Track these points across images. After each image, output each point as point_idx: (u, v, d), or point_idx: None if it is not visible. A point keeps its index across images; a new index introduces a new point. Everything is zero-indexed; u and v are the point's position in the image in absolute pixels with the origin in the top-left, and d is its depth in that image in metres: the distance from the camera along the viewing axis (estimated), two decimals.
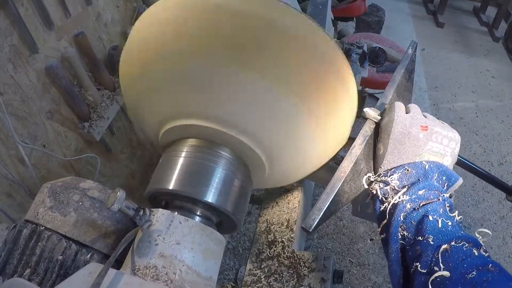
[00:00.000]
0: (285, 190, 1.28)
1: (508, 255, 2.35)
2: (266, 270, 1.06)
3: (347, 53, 1.37)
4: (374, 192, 0.74)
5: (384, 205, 0.71)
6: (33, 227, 0.71)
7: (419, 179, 0.69)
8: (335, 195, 0.69)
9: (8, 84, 1.01)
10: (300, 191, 1.28)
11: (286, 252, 1.09)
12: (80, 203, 0.74)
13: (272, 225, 1.17)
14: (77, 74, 1.26)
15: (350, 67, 0.78)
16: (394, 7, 5.14)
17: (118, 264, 0.68)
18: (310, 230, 0.66)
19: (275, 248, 1.10)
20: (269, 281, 1.03)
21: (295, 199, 1.26)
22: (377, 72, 1.96)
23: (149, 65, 0.73)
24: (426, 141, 0.72)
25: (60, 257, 0.68)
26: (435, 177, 0.70)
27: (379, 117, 0.78)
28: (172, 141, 0.81)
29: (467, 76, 3.97)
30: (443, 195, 0.68)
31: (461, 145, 0.75)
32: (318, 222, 0.67)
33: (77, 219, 0.72)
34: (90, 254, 0.71)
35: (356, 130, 0.82)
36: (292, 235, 1.14)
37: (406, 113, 0.74)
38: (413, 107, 0.76)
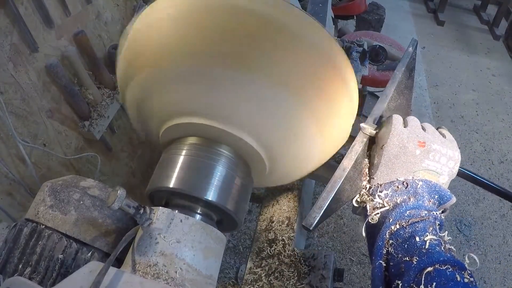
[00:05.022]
0: (286, 189, 1.28)
1: (509, 253, 2.35)
2: (266, 268, 1.06)
3: (348, 52, 1.37)
4: (363, 206, 0.73)
5: (372, 219, 0.70)
6: (33, 226, 0.71)
7: (409, 198, 0.67)
8: (335, 193, 0.69)
9: (8, 83, 1.01)
10: (300, 189, 1.28)
11: (287, 251, 1.09)
12: (81, 202, 0.74)
13: (272, 223, 1.17)
14: (77, 73, 1.26)
15: (350, 65, 0.78)
16: (395, 5, 5.13)
17: (118, 263, 0.69)
18: (311, 228, 0.66)
19: (276, 247, 1.10)
20: (269, 279, 1.03)
21: (296, 197, 1.26)
22: (378, 71, 1.96)
23: (148, 64, 0.73)
24: (423, 158, 0.69)
25: (60, 256, 0.68)
26: (426, 197, 0.67)
27: (375, 132, 0.76)
28: (172, 139, 0.81)
29: (467, 74, 3.97)
30: (434, 213, 0.65)
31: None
32: (318, 221, 0.66)
33: (77, 217, 0.72)
34: (90, 253, 0.71)
35: (356, 128, 0.81)
36: (292, 234, 1.14)
37: (404, 126, 0.71)
38: (412, 120, 0.73)
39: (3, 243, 0.71)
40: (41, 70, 1.12)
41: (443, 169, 0.70)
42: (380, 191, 0.71)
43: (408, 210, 0.66)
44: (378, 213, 0.69)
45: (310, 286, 1.02)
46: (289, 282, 1.02)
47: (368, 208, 0.72)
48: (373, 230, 0.70)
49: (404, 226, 0.64)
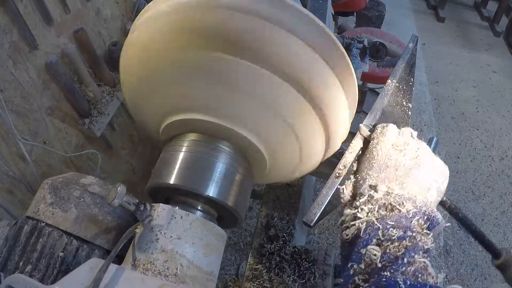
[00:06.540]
0: (286, 185, 1.28)
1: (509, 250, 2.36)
2: (267, 265, 1.06)
3: (348, 48, 1.37)
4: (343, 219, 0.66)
5: (348, 231, 0.62)
6: (34, 224, 0.71)
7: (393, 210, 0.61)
8: (336, 189, 0.68)
9: (8, 81, 1.01)
10: (301, 185, 1.28)
11: (287, 247, 1.09)
12: (81, 199, 0.74)
13: (273, 219, 1.17)
14: (77, 70, 1.26)
15: (349, 62, 0.77)
16: (395, 1, 5.11)
17: (119, 260, 0.69)
18: (312, 225, 0.66)
19: (276, 243, 1.10)
20: (270, 275, 1.03)
21: (296, 193, 1.26)
22: (378, 67, 1.95)
23: (150, 61, 0.73)
24: (412, 169, 0.65)
25: (61, 253, 0.69)
26: (415, 219, 0.60)
27: (369, 133, 0.73)
28: (172, 136, 0.81)
29: (468, 71, 3.96)
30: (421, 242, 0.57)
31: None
32: (319, 217, 0.66)
33: (78, 215, 0.72)
34: (91, 250, 0.71)
35: (356, 125, 0.81)
36: (293, 230, 1.14)
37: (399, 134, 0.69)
38: (407, 131, 0.70)
39: (3, 241, 0.71)
40: (41, 68, 1.12)
41: (431, 184, 0.66)
42: (361, 199, 0.64)
43: (393, 228, 0.59)
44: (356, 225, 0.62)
45: (311, 283, 1.02)
46: (290, 278, 1.02)
47: (346, 220, 0.65)
48: (346, 246, 0.64)
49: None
